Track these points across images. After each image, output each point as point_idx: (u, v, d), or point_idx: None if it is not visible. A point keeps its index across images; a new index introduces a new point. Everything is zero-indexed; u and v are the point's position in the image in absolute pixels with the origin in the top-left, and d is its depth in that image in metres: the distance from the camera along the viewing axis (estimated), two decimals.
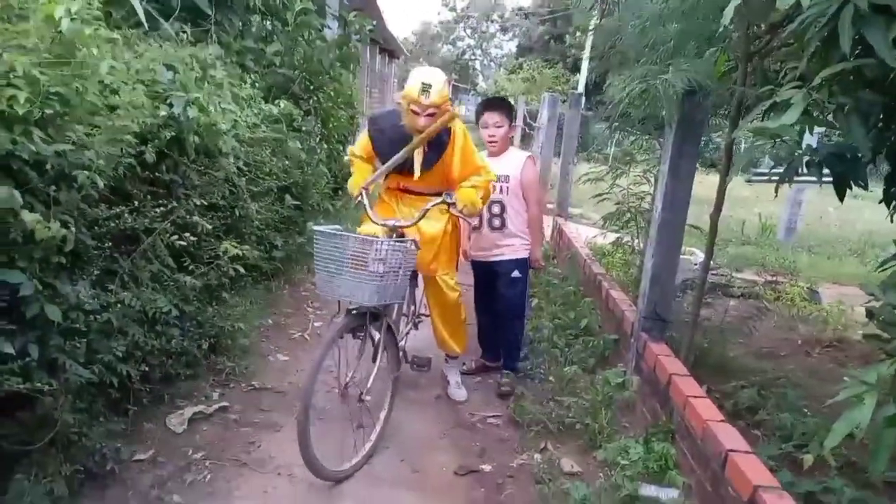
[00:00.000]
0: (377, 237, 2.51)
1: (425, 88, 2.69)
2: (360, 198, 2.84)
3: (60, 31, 1.85)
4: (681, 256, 4.02)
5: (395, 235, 2.66)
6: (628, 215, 4.53)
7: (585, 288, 4.58)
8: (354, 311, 2.54)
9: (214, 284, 3.11)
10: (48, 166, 1.81)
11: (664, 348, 3.05)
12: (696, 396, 2.57)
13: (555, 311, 4.21)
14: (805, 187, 7.97)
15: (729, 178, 2.85)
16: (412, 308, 3.39)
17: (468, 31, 45.91)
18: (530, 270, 3.63)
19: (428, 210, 2.80)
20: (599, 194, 4.81)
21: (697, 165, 4.03)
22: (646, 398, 3.06)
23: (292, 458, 2.49)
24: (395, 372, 2.90)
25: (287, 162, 3.98)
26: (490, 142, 3.48)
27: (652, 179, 4.41)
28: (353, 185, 2.92)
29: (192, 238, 2.70)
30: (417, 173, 2.90)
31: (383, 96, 20.37)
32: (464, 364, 3.61)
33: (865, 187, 2.51)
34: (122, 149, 2.20)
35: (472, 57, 46.55)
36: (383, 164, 2.88)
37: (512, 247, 3.46)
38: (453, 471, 2.70)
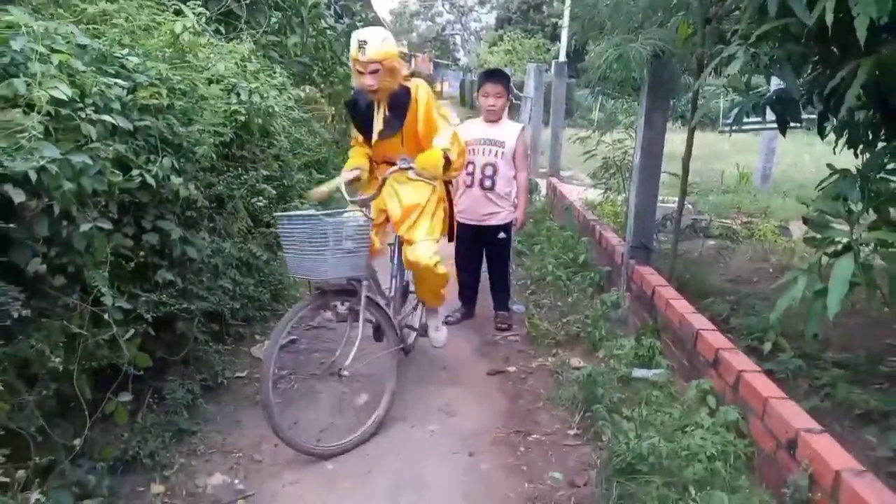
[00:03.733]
0: (315, 215, 2.54)
1: (361, 45, 2.71)
2: (339, 186, 2.89)
3: (179, 41, 2.45)
4: (663, 203, 4.68)
5: (365, 209, 2.77)
6: (614, 168, 5.17)
7: (581, 232, 5.24)
8: (318, 290, 2.68)
9: (274, 242, 3.74)
10: (181, 143, 2.43)
11: (649, 269, 3.72)
12: (674, 299, 3.25)
13: (556, 253, 4.88)
14: (776, 136, 8.61)
15: (694, 123, 3.49)
16: (396, 281, 3.17)
17: (446, 7, 46.04)
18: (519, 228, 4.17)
19: (386, 179, 2.88)
20: (588, 152, 5.45)
21: (673, 121, 4.64)
22: (636, 311, 3.73)
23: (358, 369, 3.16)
24: (392, 347, 2.92)
25: (317, 139, 4.58)
26: (489, 110, 3.95)
27: (633, 134, 5.04)
28: (347, 168, 3.05)
29: (260, 203, 3.33)
30: (375, 137, 2.98)
31: None
32: (448, 317, 4.03)
33: (800, 123, 3.19)
34: (213, 130, 2.81)
35: (452, 32, 46.69)
36: (365, 137, 3.04)
37: (499, 214, 3.95)
38: (485, 372, 3.39)
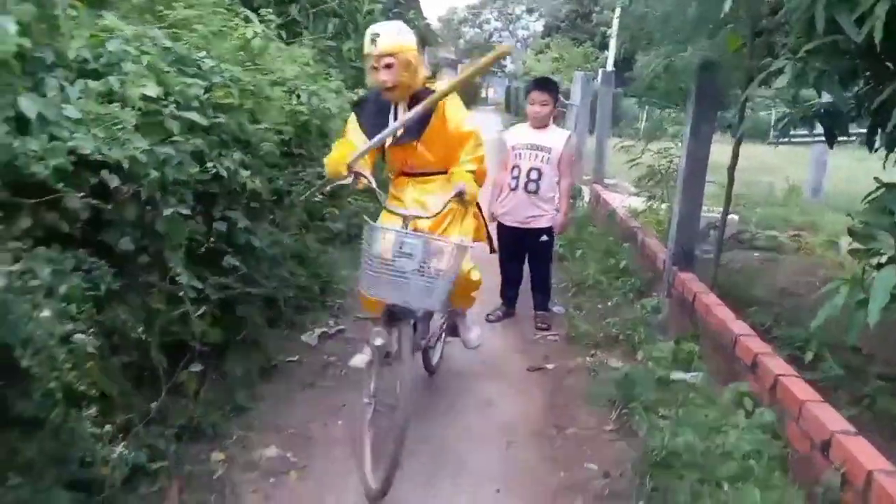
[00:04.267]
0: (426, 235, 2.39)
1: (373, 39, 2.54)
2: (362, 179, 2.57)
3: (249, 45, 2.66)
4: (708, 213, 4.70)
5: (409, 227, 2.49)
6: (659, 175, 5.21)
7: (623, 239, 5.29)
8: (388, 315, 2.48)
9: (325, 238, 3.93)
10: (249, 140, 2.62)
11: (690, 276, 3.76)
12: (715, 305, 3.29)
13: (598, 258, 4.94)
14: (827, 149, 8.45)
15: (740, 133, 3.54)
16: None
17: (494, 14, 46.25)
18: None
19: (448, 203, 2.59)
20: (633, 160, 5.50)
21: (722, 132, 4.66)
22: (676, 317, 3.78)
23: None
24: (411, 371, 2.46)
25: None
26: (535, 116, 4.08)
27: (679, 143, 5.08)
28: (332, 161, 2.60)
29: (316, 199, 3.52)
30: (389, 142, 2.69)
31: None
32: (489, 315, 4.18)
33: (848, 137, 3.21)
34: (277, 128, 3.01)
35: (500, 39, 46.80)
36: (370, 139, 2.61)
37: (542, 218, 4.06)
38: (525, 369, 3.50)
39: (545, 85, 4.17)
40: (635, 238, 4.96)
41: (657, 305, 3.90)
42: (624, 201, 6.42)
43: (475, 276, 2.94)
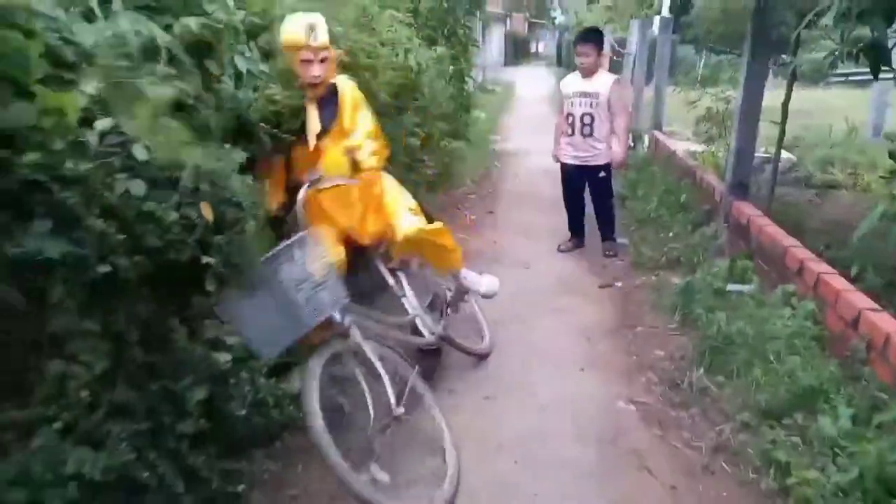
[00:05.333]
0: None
1: (312, 28, 2.43)
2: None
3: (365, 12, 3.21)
4: (764, 154, 5.03)
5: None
6: (717, 117, 5.56)
7: (682, 178, 5.69)
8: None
9: (414, 182, 4.51)
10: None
11: (746, 204, 4.18)
12: (768, 225, 3.73)
13: (658, 195, 5.37)
14: (889, 89, 8.46)
15: (791, 69, 3.89)
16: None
17: None
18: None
19: (302, 199, 2.30)
20: (692, 102, 5.84)
21: (781, 76, 4.94)
22: (732, 242, 4.22)
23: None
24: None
25: (447, 94, 5.31)
26: (581, 67, 4.52)
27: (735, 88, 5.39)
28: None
29: (415, 142, 4.10)
30: (312, 142, 2.51)
31: None
32: (561, 246, 4.74)
33: (891, 66, 3.54)
34: (386, 83, 3.58)
35: None
36: (296, 147, 2.51)
37: (598, 155, 4.52)
38: (597, 285, 4.04)
39: (586, 37, 4.65)
40: (694, 176, 5.36)
41: (715, 233, 4.34)
42: (682, 147, 6.76)
43: (432, 226, 2.74)
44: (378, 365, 2.20)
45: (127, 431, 1.59)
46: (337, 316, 2.17)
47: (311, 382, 1.97)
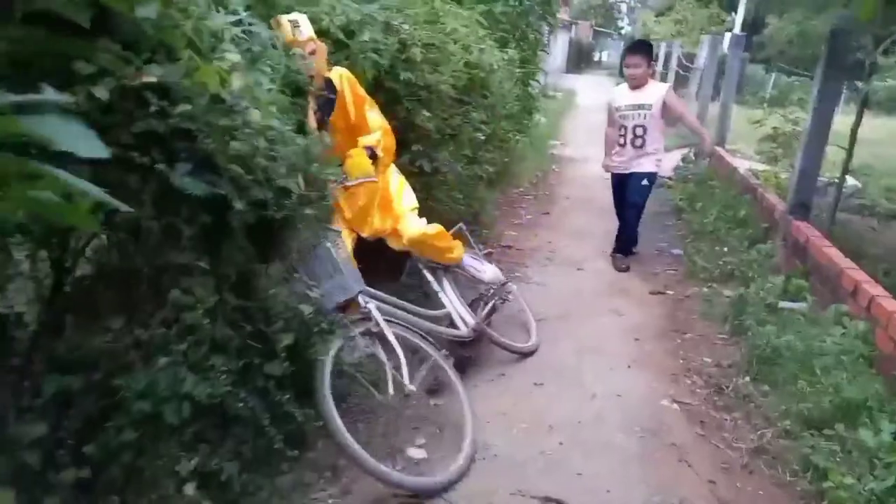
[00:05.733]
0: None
1: (295, 25, 2.51)
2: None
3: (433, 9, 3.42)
4: (828, 179, 5.00)
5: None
6: (783, 137, 5.54)
7: (741, 194, 5.69)
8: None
9: (476, 175, 4.68)
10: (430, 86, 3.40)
11: (806, 224, 4.20)
12: (827, 246, 3.75)
13: (716, 210, 5.40)
14: None
15: (866, 90, 3.90)
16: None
17: None
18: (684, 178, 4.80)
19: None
20: (758, 121, 5.84)
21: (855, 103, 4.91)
22: (788, 260, 4.24)
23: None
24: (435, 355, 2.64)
25: (515, 94, 5.46)
26: (631, 78, 4.56)
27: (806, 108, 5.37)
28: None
29: (480, 137, 4.26)
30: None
31: None
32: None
33: None
34: (452, 77, 3.75)
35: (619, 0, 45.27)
36: None
37: (646, 164, 4.54)
38: (648, 292, 4.13)
39: (637, 48, 4.71)
40: (754, 193, 5.36)
41: (771, 250, 4.36)
42: (745, 165, 6.74)
43: (432, 229, 2.97)
44: (395, 344, 2.40)
45: (225, 366, 1.81)
46: (360, 299, 2.46)
47: (324, 370, 2.14)
